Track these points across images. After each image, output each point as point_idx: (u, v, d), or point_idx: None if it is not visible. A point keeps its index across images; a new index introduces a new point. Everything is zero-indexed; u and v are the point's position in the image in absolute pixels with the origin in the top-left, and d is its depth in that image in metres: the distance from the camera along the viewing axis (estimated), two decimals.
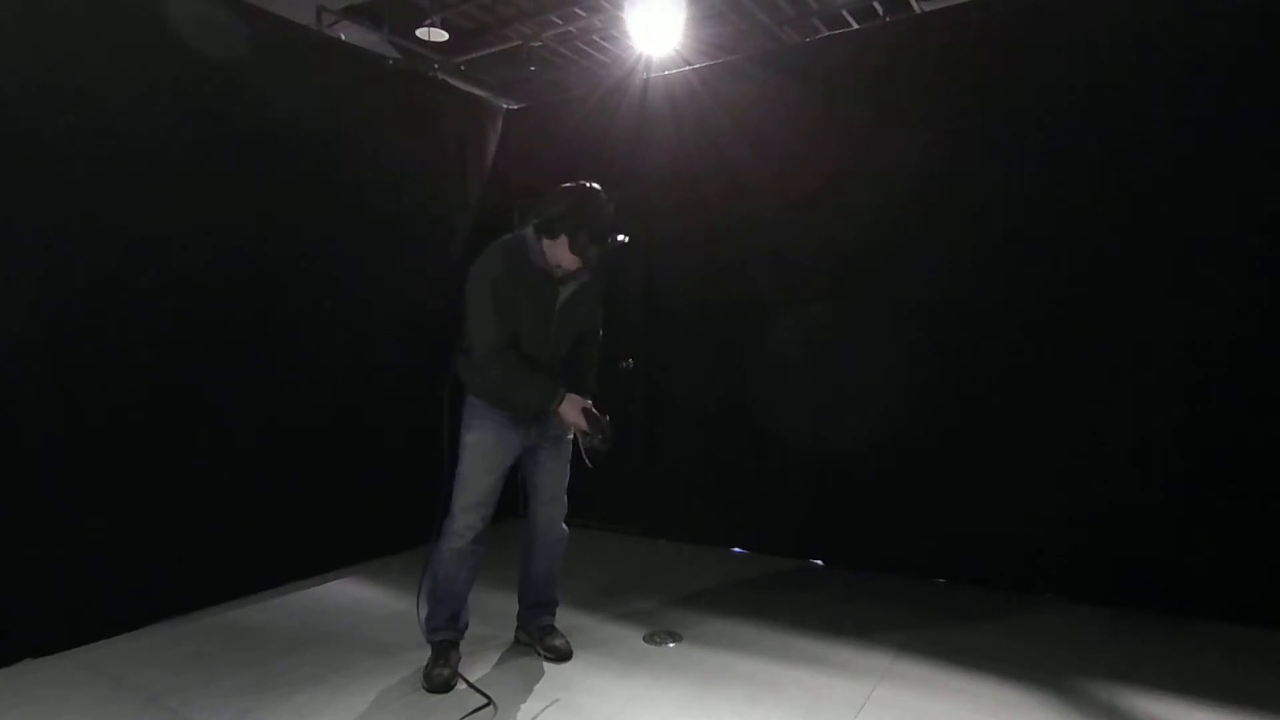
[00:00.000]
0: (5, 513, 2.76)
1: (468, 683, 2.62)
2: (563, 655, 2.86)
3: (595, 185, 2.55)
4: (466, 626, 2.80)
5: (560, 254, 2.53)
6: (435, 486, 2.71)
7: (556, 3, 6.31)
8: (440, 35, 6.55)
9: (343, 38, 5.96)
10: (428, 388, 2.96)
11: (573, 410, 2.58)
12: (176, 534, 3.24)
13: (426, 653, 2.71)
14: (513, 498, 3.59)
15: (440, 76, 5.71)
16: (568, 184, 2.57)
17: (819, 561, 4.04)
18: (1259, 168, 3.03)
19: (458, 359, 2.69)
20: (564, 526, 2.91)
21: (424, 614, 2.73)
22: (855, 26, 6.20)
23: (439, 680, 2.60)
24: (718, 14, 6.17)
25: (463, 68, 7.16)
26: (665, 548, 4.41)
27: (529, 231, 2.59)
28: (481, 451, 2.65)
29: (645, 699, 2.56)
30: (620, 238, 2.50)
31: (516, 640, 3.01)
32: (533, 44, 6.81)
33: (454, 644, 2.74)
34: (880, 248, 3.82)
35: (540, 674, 2.75)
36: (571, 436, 2.82)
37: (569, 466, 2.88)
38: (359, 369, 4.01)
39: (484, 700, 2.51)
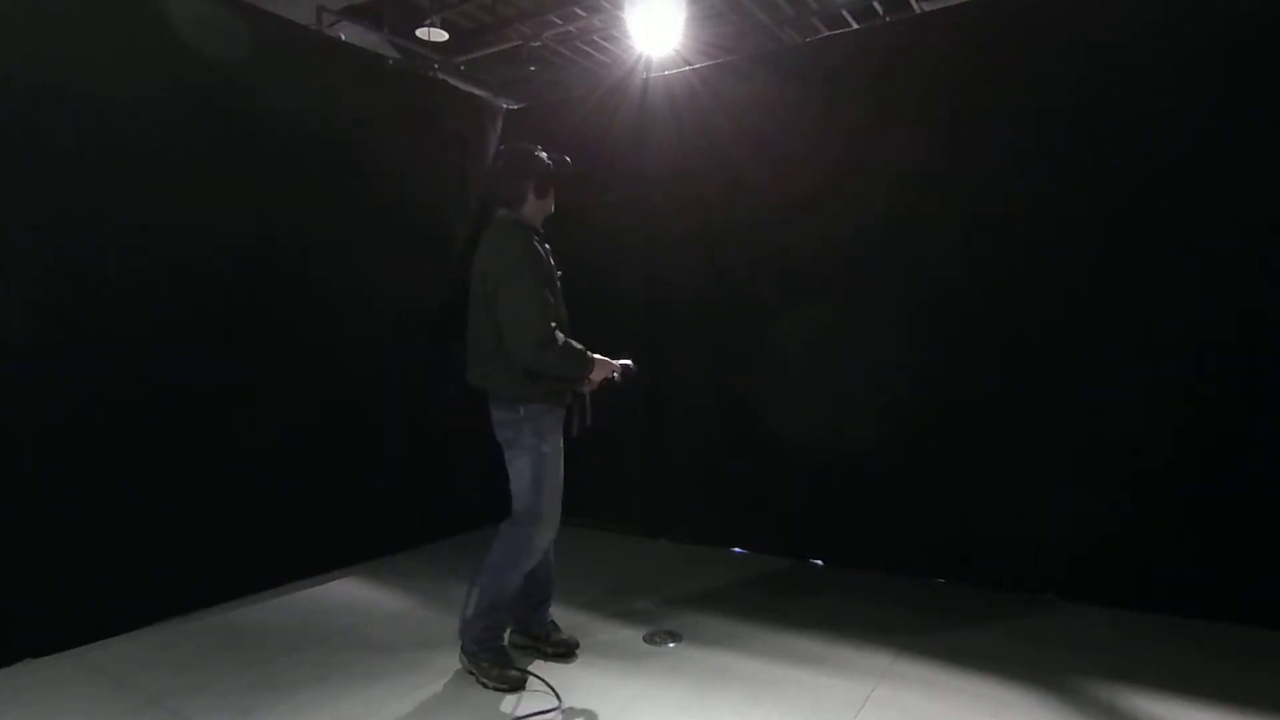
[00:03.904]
0: (5, 513, 2.76)
1: (539, 679, 2.63)
2: (571, 647, 2.89)
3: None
4: None
5: (549, 208, 2.76)
6: (443, 487, 2.68)
7: (556, 3, 6.31)
8: (440, 35, 6.55)
9: (343, 38, 5.96)
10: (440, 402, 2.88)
11: (603, 367, 2.65)
12: (176, 534, 3.24)
13: (426, 653, 2.71)
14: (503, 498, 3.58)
15: (440, 76, 5.71)
16: (510, 152, 2.75)
17: (819, 561, 4.04)
18: (1260, 167, 3.03)
19: (504, 374, 2.60)
20: None
21: (480, 625, 2.66)
22: (855, 26, 6.20)
23: (517, 680, 2.63)
24: (718, 14, 6.17)
25: (463, 68, 7.16)
26: (665, 548, 4.41)
27: (504, 213, 2.72)
28: (560, 457, 2.70)
29: (645, 699, 2.56)
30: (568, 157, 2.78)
31: (512, 644, 2.93)
32: (533, 44, 6.81)
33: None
34: (880, 248, 3.82)
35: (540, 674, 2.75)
36: None
37: None
38: (359, 369, 4.01)
39: (553, 702, 2.51)
